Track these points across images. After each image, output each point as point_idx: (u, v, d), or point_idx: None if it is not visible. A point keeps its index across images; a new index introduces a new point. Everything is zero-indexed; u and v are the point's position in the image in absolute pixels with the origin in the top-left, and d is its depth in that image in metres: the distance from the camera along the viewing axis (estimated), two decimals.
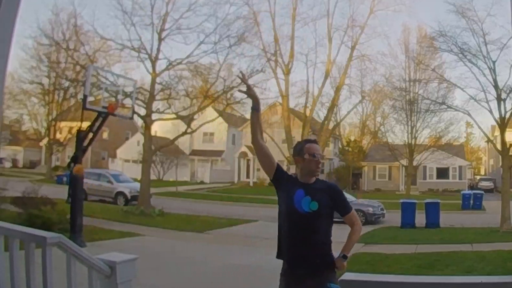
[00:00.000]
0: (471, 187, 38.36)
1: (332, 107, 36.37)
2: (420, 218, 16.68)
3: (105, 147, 42.77)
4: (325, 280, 3.07)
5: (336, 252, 3.17)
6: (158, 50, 19.92)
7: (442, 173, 38.25)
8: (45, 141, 38.80)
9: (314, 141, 3.36)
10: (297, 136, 35.01)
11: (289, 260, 3.14)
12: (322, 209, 3.11)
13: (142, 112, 19.47)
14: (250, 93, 3.25)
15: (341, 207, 3.23)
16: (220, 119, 34.67)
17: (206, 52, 21.10)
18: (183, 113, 23.57)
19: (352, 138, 45.02)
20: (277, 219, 3.27)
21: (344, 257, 3.14)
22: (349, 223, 3.26)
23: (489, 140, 24.03)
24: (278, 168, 3.24)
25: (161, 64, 23.71)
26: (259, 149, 3.24)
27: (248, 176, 40.60)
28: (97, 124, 11.28)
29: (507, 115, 16.24)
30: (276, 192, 3.27)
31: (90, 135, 11.11)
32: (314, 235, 3.09)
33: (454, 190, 34.09)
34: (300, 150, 3.27)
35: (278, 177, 3.25)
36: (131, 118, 15.14)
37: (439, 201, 17.35)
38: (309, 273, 3.08)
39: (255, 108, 3.24)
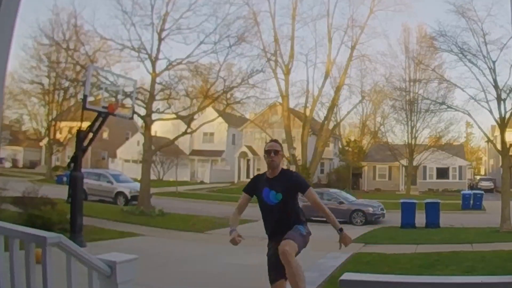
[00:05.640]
0: (471, 187, 38.37)
1: (332, 107, 36.34)
2: (420, 218, 16.68)
3: (105, 147, 42.77)
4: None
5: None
6: (158, 50, 19.93)
7: (442, 173, 38.25)
8: (45, 141, 38.80)
9: (274, 140, 4.30)
10: (297, 136, 35.05)
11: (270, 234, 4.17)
12: (286, 196, 4.00)
13: (142, 112, 19.46)
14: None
15: (300, 188, 4.07)
16: (220, 119, 34.64)
17: (206, 52, 21.09)
18: (183, 113, 23.57)
19: (352, 138, 44.96)
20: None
21: (341, 230, 3.99)
22: (309, 200, 4.06)
23: (489, 140, 24.01)
24: (248, 191, 4.22)
25: (161, 64, 23.76)
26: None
27: (248, 176, 40.55)
28: (97, 124, 11.28)
29: (507, 115, 16.22)
30: None
31: (90, 135, 11.11)
32: (284, 216, 4.03)
33: (454, 190, 34.09)
34: (264, 150, 4.20)
35: (253, 193, 4.21)
36: (131, 118, 15.12)
37: (439, 201, 17.36)
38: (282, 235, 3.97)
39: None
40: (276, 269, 3.93)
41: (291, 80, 38.92)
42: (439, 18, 53.80)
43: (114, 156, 44.30)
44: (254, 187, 4.20)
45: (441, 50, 19.85)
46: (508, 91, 16.12)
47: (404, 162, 36.55)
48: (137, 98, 16.71)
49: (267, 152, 4.12)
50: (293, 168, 30.72)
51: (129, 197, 21.70)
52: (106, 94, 12.99)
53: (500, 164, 20.33)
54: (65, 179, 26.14)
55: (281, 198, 3.98)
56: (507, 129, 16.77)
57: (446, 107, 21.87)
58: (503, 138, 16.55)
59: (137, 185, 21.06)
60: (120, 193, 22.08)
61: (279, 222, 4.03)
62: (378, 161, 40.15)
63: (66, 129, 37.14)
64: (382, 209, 19.61)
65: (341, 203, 19.12)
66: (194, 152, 44.13)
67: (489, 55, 16.44)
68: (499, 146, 17.63)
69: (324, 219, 4.23)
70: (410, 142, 36.23)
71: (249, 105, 30.58)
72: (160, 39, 19.97)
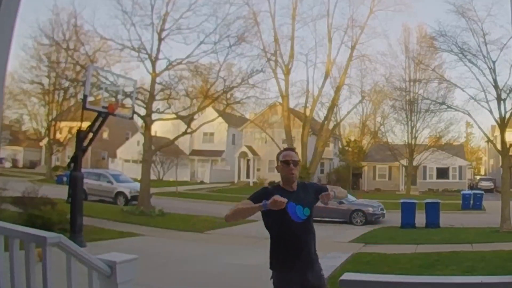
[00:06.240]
0: (471, 187, 38.38)
1: (332, 107, 36.35)
2: (420, 218, 16.67)
3: (105, 147, 42.76)
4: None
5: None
6: (158, 50, 19.94)
7: (442, 173, 38.26)
8: (45, 141, 38.81)
9: (290, 149, 3.52)
10: (297, 136, 35.08)
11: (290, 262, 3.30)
12: (311, 211, 3.37)
13: (142, 112, 19.46)
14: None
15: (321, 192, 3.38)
16: (220, 119, 34.66)
17: (206, 52, 21.11)
18: (183, 113, 23.57)
19: (352, 138, 44.97)
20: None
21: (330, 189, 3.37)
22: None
23: (489, 140, 24.02)
24: (256, 202, 3.18)
25: (161, 64, 23.75)
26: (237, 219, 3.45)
27: (248, 176, 40.60)
28: (97, 124, 11.29)
29: (507, 115, 16.22)
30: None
31: (90, 135, 11.12)
32: (308, 237, 3.38)
33: (454, 190, 34.09)
34: (277, 159, 3.44)
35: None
36: (131, 118, 15.13)
37: (439, 201, 17.34)
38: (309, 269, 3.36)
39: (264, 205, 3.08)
40: None
41: (291, 80, 38.97)
42: (439, 18, 53.81)
43: (114, 156, 44.29)
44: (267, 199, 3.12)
45: (441, 50, 19.89)
46: (508, 91, 16.13)
47: (404, 162, 36.56)
48: (137, 98, 16.71)
49: (285, 162, 3.32)
50: None
51: (129, 197, 21.69)
52: (106, 94, 13.00)
53: (500, 164, 20.33)
54: (65, 179, 26.14)
55: (309, 214, 3.33)
56: (507, 129, 16.78)
57: (446, 107, 21.90)
58: (503, 138, 16.55)
59: (137, 185, 21.06)
60: (120, 193, 22.08)
61: (304, 246, 3.33)
62: (378, 161, 40.16)
63: (66, 129, 37.16)
64: (382, 209, 19.60)
65: (341, 203, 19.04)
66: (194, 152, 44.13)
67: (489, 55, 16.46)
68: (499, 146, 17.63)
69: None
70: (410, 142, 36.25)
71: (249, 105, 30.64)
72: (160, 39, 19.98)
